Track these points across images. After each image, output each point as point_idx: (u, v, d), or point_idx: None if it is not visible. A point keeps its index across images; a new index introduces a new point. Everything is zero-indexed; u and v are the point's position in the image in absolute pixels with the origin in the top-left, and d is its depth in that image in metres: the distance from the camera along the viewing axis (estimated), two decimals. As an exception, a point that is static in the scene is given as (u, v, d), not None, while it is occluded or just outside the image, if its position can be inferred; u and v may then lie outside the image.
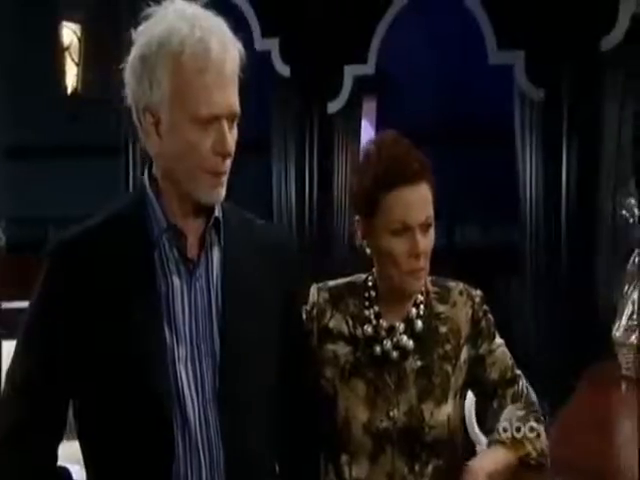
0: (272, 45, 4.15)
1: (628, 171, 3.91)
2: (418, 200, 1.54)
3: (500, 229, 4.42)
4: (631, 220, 2.49)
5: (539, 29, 3.81)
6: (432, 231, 1.57)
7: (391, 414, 1.57)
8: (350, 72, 4.07)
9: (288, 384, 1.47)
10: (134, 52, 1.37)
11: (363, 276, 1.68)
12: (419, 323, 1.61)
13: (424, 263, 1.56)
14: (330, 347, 1.63)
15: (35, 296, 1.39)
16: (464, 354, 1.61)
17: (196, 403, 1.35)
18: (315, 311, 1.65)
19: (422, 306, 1.62)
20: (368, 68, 4.06)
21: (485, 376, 1.62)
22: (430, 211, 1.56)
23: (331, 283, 1.69)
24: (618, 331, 2.50)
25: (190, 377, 1.35)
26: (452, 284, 1.65)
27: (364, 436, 1.57)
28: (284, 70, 4.14)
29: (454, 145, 4.35)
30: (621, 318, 2.50)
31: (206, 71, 1.32)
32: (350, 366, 1.61)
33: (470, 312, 1.62)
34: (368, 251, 1.61)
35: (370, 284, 1.65)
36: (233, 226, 1.43)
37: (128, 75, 1.37)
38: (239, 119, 1.38)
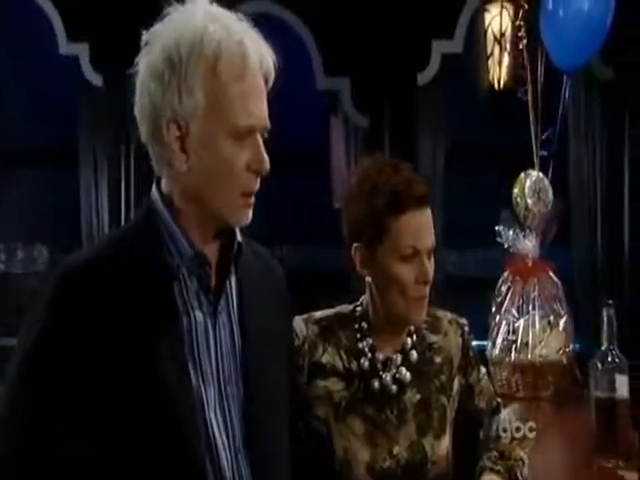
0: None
1: (440, 196, 4.21)
2: (427, 224, 1.49)
3: (327, 252, 4.46)
4: (506, 245, 2.63)
5: (364, 59, 3.97)
6: (433, 259, 1.53)
7: (394, 451, 1.49)
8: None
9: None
10: (155, 55, 1.16)
11: (349, 307, 1.59)
12: (414, 354, 1.55)
13: (427, 291, 1.51)
14: (321, 383, 1.51)
15: (32, 338, 1.14)
16: (456, 385, 1.57)
17: (228, 452, 1.20)
18: (307, 346, 1.52)
19: (415, 336, 1.57)
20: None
21: (474, 406, 1.60)
22: (434, 236, 1.52)
23: (317, 315, 1.57)
24: (493, 350, 2.61)
25: (220, 424, 1.20)
26: (440, 313, 1.62)
27: (367, 477, 1.48)
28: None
29: (279, 170, 4.31)
30: (495, 337, 2.62)
31: (243, 78, 1.17)
32: (346, 403, 1.50)
33: (460, 341, 1.59)
34: (368, 279, 1.52)
35: (358, 314, 1.56)
36: (243, 252, 1.28)
37: (147, 81, 1.17)
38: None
